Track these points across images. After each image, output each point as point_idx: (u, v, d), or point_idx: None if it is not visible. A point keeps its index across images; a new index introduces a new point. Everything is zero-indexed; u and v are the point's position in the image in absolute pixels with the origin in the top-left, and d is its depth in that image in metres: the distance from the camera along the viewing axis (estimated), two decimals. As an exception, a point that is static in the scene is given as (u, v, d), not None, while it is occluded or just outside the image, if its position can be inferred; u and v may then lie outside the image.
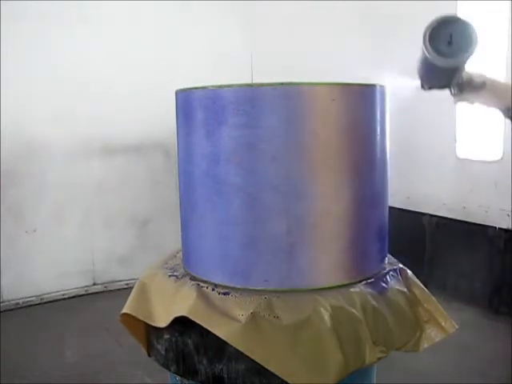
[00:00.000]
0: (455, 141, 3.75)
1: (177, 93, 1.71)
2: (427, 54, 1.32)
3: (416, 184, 3.99)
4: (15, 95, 3.89)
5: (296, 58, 4.50)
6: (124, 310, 1.75)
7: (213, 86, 1.55)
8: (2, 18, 3.76)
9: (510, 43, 3.29)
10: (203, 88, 1.57)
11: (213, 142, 1.55)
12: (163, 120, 3.36)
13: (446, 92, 3.97)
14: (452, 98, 1.50)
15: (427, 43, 1.32)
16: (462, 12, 3.58)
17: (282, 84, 1.49)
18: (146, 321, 1.70)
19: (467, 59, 1.28)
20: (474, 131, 3.71)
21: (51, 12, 3.98)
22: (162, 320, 1.61)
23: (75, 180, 4.22)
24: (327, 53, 4.33)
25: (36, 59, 3.99)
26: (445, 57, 1.31)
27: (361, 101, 1.57)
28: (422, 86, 1.58)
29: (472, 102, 1.49)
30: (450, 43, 1.33)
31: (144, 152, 4.49)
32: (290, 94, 1.49)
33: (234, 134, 1.51)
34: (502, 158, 3.43)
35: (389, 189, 1.76)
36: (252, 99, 1.50)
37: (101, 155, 4.33)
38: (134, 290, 1.80)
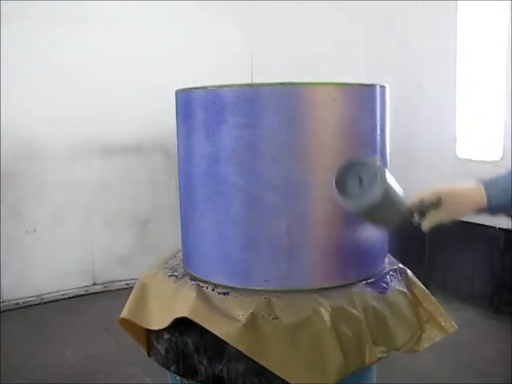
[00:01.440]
0: (455, 141, 3.75)
1: (177, 93, 1.71)
2: (337, 201, 1.25)
3: (416, 184, 3.99)
4: (15, 95, 3.89)
5: (296, 58, 4.50)
6: (122, 315, 1.75)
7: (213, 86, 1.55)
8: (2, 17, 3.76)
9: (510, 43, 3.28)
10: (203, 88, 1.57)
11: (213, 141, 1.55)
12: (163, 120, 3.36)
13: (447, 92, 3.97)
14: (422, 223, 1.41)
15: (334, 189, 1.24)
16: (462, 12, 3.58)
17: (282, 84, 1.49)
18: (144, 326, 1.70)
19: (379, 198, 1.18)
20: (473, 131, 3.71)
21: (51, 12, 3.98)
22: (161, 321, 1.61)
23: (75, 180, 4.21)
24: (327, 53, 4.33)
25: (36, 59, 3.99)
26: (354, 200, 1.23)
27: (361, 101, 1.57)
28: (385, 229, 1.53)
29: (444, 221, 1.44)
30: (360, 185, 1.24)
31: (144, 152, 4.49)
32: (290, 94, 1.49)
33: (234, 134, 1.51)
34: (502, 158, 3.43)
35: (389, 189, 1.76)
36: (252, 99, 1.50)
37: (101, 155, 4.32)
38: (133, 291, 1.80)
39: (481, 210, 1.33)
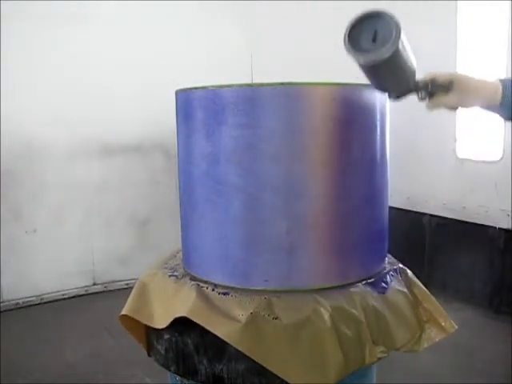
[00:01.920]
0: (455, 141, 3.75)
1: (177, 93, 1.71)
2: (348, 53, 1.20)
3: (416, 184, 3.99)
4: (15, 95, 3.89)
5: (296, 58, 4.50)
6: (123, 312, 1.75)
7: (213, 86, 1.55)
8: (2, 17, 3.76)
9: (510, 43, 3.28)
10: (203, 88, 1.57)
11: (213, 141, 1.55)
12: (163, 120, 3.36)
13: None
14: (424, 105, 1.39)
15: (346, 41, 1.19)
16: (462, 12, 3.58)
17: (282, 84, 1.49)
18: (145, 322, 1.70)
19: (390, 53, 1.13)
20: (473, 131, 3.71)
21: (51, 12, 3.98)
22: (161, 321, 1.61)
23: (75, 180, 4.21)
24: (327, 53, 4.33)
25: (36, 59, 3.99)
26: (365, 53, 1.17)
27: (361, 101, 1.57)
28: (389, 96, 1.48)
29: (449, 107, 1.40)
30: (374, 40, 1.19)
31: (144, 152, 4.49)
32: (290, 94, 1.49)
33: (234, 134, 1.51)
34: (502, 158, 3.43)
35: (389, 189, 1.76)
36: (252, 99, 1.50)
37: (101, 155, 4.32)
38: (133, 291, 1.80)
39: (491, 105, 1.30)
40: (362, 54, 1.15)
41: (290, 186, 1.52)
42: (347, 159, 1.56)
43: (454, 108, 1.37)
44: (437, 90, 1.30)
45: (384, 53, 1.12)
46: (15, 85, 3.89)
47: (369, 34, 1.18)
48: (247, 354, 1.43)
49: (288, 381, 1.43)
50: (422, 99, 1.33)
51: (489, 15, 3.50)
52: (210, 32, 4.62)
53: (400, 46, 1.14)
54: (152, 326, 1.66)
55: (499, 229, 3.53)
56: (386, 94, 1.46)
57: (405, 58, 1.18)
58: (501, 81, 1.30)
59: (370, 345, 1.51)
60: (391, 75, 1.20)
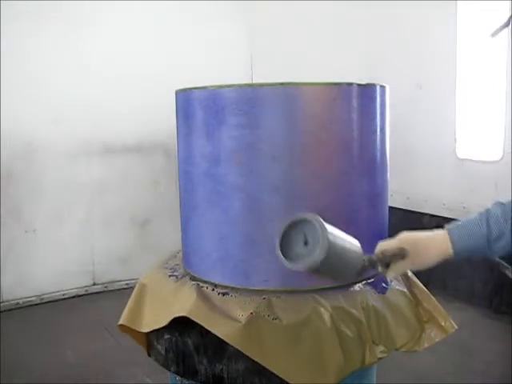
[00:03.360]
0: (455, 141, 3.74)
1: (177, 93, 1.71)
2: (281, 262, 1.20)
3: (416, 184, 3.99)
4: (15, 95, 3.89)
5: (296, 58, 4.50)
6: (121, 322, 1.76)
7: (213, 86, 1.55)
8: (2, 17, 3.76)
9: (510, 43, 3.28)
10: (203, 88, 1.57)
11: (213, 141, 1.55)
12: (163, 120, 3.36)
13: (447, 92, 3.96)
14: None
15: (277, 250, 1.19)
16: (462, 12, 3.58)
17: (282, 84, 1.49)
18: (143, 331, 1.71)
19: (322, 257, 1.13)
20: (473, 131, 3.71)
21: (51, 12, 3.98)
22: (159, 320, 1.61)
23: (75, 180, 4.21)
24: (327, 53, 4.33)
25: (36, 59, 3.99)
26: (298, 260, 1.17)
27: (361, 101, 1.57)
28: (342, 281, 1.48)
29: (413, 269, 1.40)
30: (306, 243, 1.19)
31: (144, 152, 4.49)
32: (290, 94, 1.49)
33: (234, 134, 1.51)
34: (502, 158, 3.43)
35: (389, 189, 1.76)
36: (252, 99, 1.50)
37: (101, 155, 4.32)
38: (133, 293, 1.80)
39: (448, 258, 1.29)
40: (295, 262, 1.17)
41: (290, 186, 1.52)
42: (347, 159, 1.57)
43: (414, 269, 1.38)
44: (391, 261, 1.30)
45: (316, 258, 1.14)
46: (15, 85, 3.89)
47: (300, 238, 1.19)
48: (247, 354, 1.43)
49: (288, 381, 1.43)
50: (382, 272, 1.33)
51: (489, 15, 3.50)
52: (210, 32, 4.62)
53: (330, 245, 1.14)
54: (150, 329, 1.66)
55: (499, 229, 3.52)
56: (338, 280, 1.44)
57: (340, 251, 1.19)
58: (447, 231, 1.29)
59: (370, 345, 1.51)
60: (333, 269, 1.21)
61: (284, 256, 1.19)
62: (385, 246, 1.32)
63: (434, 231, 1.31)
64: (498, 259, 1.34)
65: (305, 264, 1.15)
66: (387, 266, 1.31)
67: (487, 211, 1.27)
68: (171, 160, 4.27)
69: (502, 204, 1.26)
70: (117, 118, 4.28)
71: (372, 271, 1.31)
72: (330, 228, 1.18)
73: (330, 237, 1.15)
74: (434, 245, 1.29)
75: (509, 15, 1.67)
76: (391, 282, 1.68)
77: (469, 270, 3.83)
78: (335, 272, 1.23)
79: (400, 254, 1.29)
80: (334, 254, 1.17)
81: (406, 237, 1.32)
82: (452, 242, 1.27)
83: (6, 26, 3.79)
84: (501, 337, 3.25)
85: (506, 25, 1.63)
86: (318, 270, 1.17)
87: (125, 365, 3.06)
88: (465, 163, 3.69)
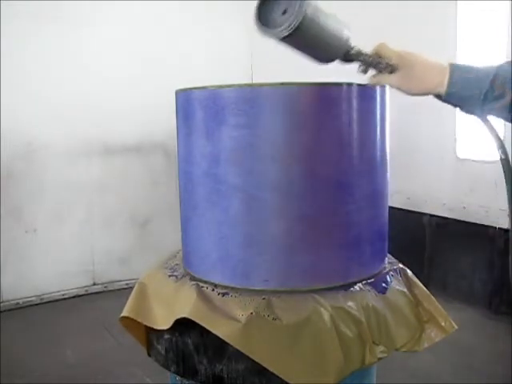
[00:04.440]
0: (455, 141, 3.75)
1: (177, 93, 1.71)
2: (258, 30, 1.15)
3: (416, 184, 3.99)
4: (15, 95, 3.89)
5: (297, 58, 4.49)
6: (124, 313, 1.75)
7: (213, 86, 1.55)
8: (2, 17, 3.76)
9: (510, 43, 3.28)
10: (203, 88, 1.57)
11: (213, 141, 1.55)
12: (163, 120, 3.36)
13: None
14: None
15: (254, 17, 1.14)
16: (462, 12, 3.58)
17: (282, 84, 1.49)
18: (146, 324, 1.70)
19: (294, 26, 1.07)
20: (474, 131, 3.71)
21: (51, 12, 3.99)
22: (163, 322, 1.61)
23: (75, 180, 4.22)
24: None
25: (36, 59, 3.99)
26: (273, 28, 1.11)
27: (361, 101, 1.57)
28: (320, 62, 1.38)
29: (393, 87, 1.28)
30: (284, 12, 1.12)
31: (144, 152, 4.49)
32: (290, 94, 1.49)
33: (233, 134, 1.51)
34: (501, 158, 3.43)
35: (389, 189, 1.76)
36: (252, 99, 1.49)
37: (101, 155, 4.33)
38: (133, 291, 1.80)
39: (436, 93, 1.22)
40: (270, 30, 1.13)
41: (290, 185, 1.52)
42: (347, 159, 1.56)
43: (398, 89, 1.29)
44: (380, 68, 1.24)
45: (290, 23, 1.08)
46: (15, 85, 3.89)
47: (280, 8, 1.14)
48: (247, 354, 1.43)
49: (288, 381, 1.43)
50: (361, 72, 1.27)
51: (489, 15, 3.50)
52: (210, 32, 4.62)
53: (309, 16, 1.08)
54: (154, 327, 1.66)
55: (499, 229, 3.53)
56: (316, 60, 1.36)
57: (319, 22, 1.12)
58: (450, 67, 1.20)
59: (370, 345, 1.51)
60: (310, 42, 1.15)
61: (260, 23, 1.14)
62: (382, 48, 1.26)
63: (436, 61, 1.23)
64: (494, 127, 1.27)
65: (281, 29, 1.10)
66: (374, 70, 1.24)
67: (497, 69, 1.17)
68: (171, 160, 4.27)
69: None
70: (117, 117, 4.28)
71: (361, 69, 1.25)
72: (314, 2, 1.12)
73: (309, 6, 1.09)
74: (428, 75, 1.21)
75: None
76: (391, 281, 1.68)
77: (469, 270, 3.83)
78: (313, 46, 1.17)
79: (390, 66, 1.22)
80: (312, 23, 1.10)
81: (406, 54, 1.25)
82: (449, 82, 1.19)
83: (6, 25, 3.80)
84: (501, 337, 3.25)
85: None
86: (295, 38, 1.11)
87: (125, 365, 3.06)
88: (465, 163, 3.69)
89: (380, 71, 1.24)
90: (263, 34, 1.14)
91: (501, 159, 1.24)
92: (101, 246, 4.35)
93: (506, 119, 1.19)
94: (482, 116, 1.22)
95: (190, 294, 1.57)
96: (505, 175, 1.24)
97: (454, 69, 1.19)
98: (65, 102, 4.06)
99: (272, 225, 1.53)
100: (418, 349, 1.65)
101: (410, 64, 1.22)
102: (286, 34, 1.08)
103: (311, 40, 1.12)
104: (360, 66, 1.23)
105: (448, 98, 1.20)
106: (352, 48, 1.20)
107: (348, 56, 1.19)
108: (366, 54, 1.22)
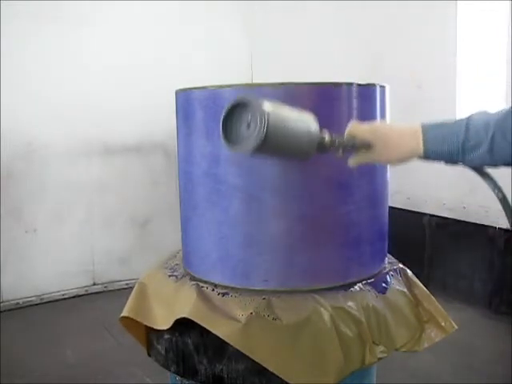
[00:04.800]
0: (455, 141, 3.74)
1: (177, 93, 1.71)
2: (224, 144, 1.15)
3: (416, 184, 3.99)
4: (15, 95, 3.89)
5: (296, 58, 4.50)
6: (124, 313, 1.75)
7: (213, 86, 1.55)
8: (2, 17, 3.76)
9: (510, 43, 3.28)
10: (203, 88, 1.57)
11: (213, 141, 1.55)
12: (163, 120, 3.36)
13: (447, 92, 3.95)
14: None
15: (221, 134, 1.13)
16: (462, 12, 3.58)
17: (282, 84, 1.49)
18: (146, 324, 1.70)
19: (259, 142, 1.06)
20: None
21: (51, 12, 3.98)
22: (163, 322, 1.61)
23: (75, 180, 4.21)
24: (327, 53, 4.33)
25: (36, 59, 3.99)
26: (239, 144, 1.11)
27: (361, 101, 1.57)
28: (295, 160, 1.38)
29: (377, 162, 1.31)
30: (248, 126, 1.12)
31: (144, 152, 4.49)
32: (290, 94, 1.49)
33: (233, 134, 1.51)
34: (501, 158, 3.43)
35: (389, 189, 1.76)
36: (252, 99, 1.49)
37: (101, 155, 4.32)
38: (133, 291, 1.80)
39: (416, 157, 1.22)
40: (238, 144, 1.12)
41: (290, 186, 1.52)
42: (347, 159, 1.56)
43: (380, 163, 1.31)
44: (357, 148, 1.23)
45: (258, 137, 1.07)
46: (15, 85, 3.89)
47: (244, 122, 1.14)
48: (247, 353, 1.43)
49: (288, 381, 1.43)
50: (342, 156, 1.25)
51: (489, 15, 3.50)
52: (210, 32, 4.62)
53: (272, 120, 1.08)
54: (153, 327, 1.66)
55: (499, 229, 3.52)
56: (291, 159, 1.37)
57: (285, 125, 1.12)
58: (422, 128, 1.21)
59: (370, 345, 1.51)
60: (282, 146, 1.14)
61: (227, 140, 1.13)
62: (354, 128, 1.25)
63: (408, 126, 1.23)
64: (484, 171, 1.27)
65: (248, 145, 1.09)
66: (351, 151, 1.24)
67: (468, 119, 1.18)
68: (171, 160, 4.27)
69: (487, 113, 1.17)
70: (117, 117, 4.27)
71: (339, 153, 1.24)
72: (272, 105, 1.11)
73: (271, 112, 1.09)
74: (403, 142, 1.21)
75: None
76: (391, 281, 1.68)
77: (469, 270, 3.83)
78: (285, 149, 1.16)
79: (365, 144, 1.22)
80: (276, 132, 1.09)
81: (377, 128, 1.25)
82: (424, 141, 1.19)
83: (6, 25, 3.79)
84: (501, 337, 3.25)
85: None
86: (263, 151, 1.11)
87: (125, 365, 3.06)
88: (465, 163, 3.69)
89: (357, 151, 1.24)
90: (232, 151, 1.15)
91: (499, 199, 1.25)
92: (101, 246, 4.35)
93: (492, 166, 1.20)
94: (470, 166, 1.22)
95: (190, 293, 1.57)
96: (506, 213, 1.25)
97: (427, 128, 1.21)
98: (65, 101, 4.06)
99: (272, 225, 1.53)
100: (418, 349, 1.66)
101: (384, 136, 1.23)
102: (254, 147, 1.08)
103: (281, 145, 1.13)
104: (337, 151, 1.23)
105: (428, 156, 1.20)
106: (324, 138, 1.20)
107: (323, 146, 1.20)
108: (340, 138, 1.22)
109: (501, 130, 1.12)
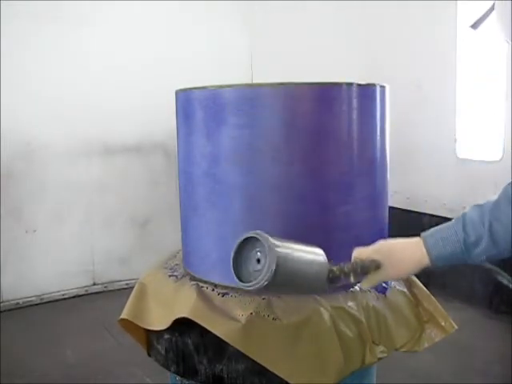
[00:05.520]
0: (455, 141, 3.74)
1: (177, 93, 1.71)
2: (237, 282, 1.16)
3: (416, 184, 3.99)
4: (15, 95, 3.89)
5: (296, 58, 4.50)
6: (123, 316, 1.75)
7: (213, 86, 1.55)
8: (2, 17, 3.76)
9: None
10: (203, 88, 1.57)
11: (213, 141, 1.55)
12: (163, 120, 3.36)
13: (447, 92, 3.95)
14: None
15: (232, 270, 1.15)
16: (462, 12, 3.58)
17: (282, 84, 1.49)
18: (144, 327, 1.70)
19: (269, 279, 1.08)
20: (473, 131, 3.71)
21: (51, 12, 3.98)
22: (162, 322, 1.61)
23: (75, 180, 4.21)
24: (327, 53, 4.33)
25: (36, 59, 3.99)
26: (250, 281, 1.12)
27: (361, 101, 1.57)
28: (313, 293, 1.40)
29: (390, 280, 1.36)
30: (259, 261, 1.14)
31: (144, 152, 4.49)
32: (290, 94, 1.49)
33: (233, 134, 1.51)
34: (501, 158, 3.43)
35: (389, 189, 1.76)
36: (252, 99, 1.50)
37: (101, 155, 4.32)
38: (133, 291, 1.80)
39: (426, 266, 1.23)
40: (248, 282, 1.13)
41: (290, 186, 1.52)
42: (347, 159, 1.56)
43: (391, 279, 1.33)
44: (366, 271, 1.25)
45: (266, 276, 1.09)
46: (15, 85, 3.89)
47: (253, 256, 1.16)
48: (247, 354, 1.43)
49: (288, 380, 1.43)
50: (354, 282, 1.27)
51: (488, 15, 3.50)
52: (210, 32, 4.62)
53: (280, 259, 1.10)
54: (153, 328, 1.66)
55: (499, 229, 3.52)
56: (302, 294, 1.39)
57: (294, 263, 1.14)
58: (422, 238, 1.24)
59: (370, 345, 1.51)
60: (292, 283, 1.16)
61: (238, 277, 1.15)
62: (359, 253, 1.27)
63: (409, 239, 1.26)
64: (490, 265, 1.29)
65: (257, 283, 1.11)
66: (362, 275, 1.26)
67: (463, 215, 1.22)
68: (171, 160, 4.27)
69: (479, 206, 1.21)
70: (117, 117, 4.27)
71: (351, 279, 1.25)
72: (279, 242, 1.14)
73: (280, 250, 1.11)
74: (408, 255, 1.24)
75: (489, 6, 1.62)
76: (391, 282, 1.68)
77: (469, 270, 3.83)
78: (296, 286, 1.18)
79: (373, 266, 1.24)
80: (287, 267, 1.11)
81: (381, 246, 1.27)
82: (427, 249, 1.22)
83: (6, 25, 3.79)
84: (501, 337, 3.25)
85: (486, 16, 1.58)
86: (275, 287, 1.13)
87: (125, 365, 3.06)
88: (465, 163, 3.69)
89: (368, 272, 1.26)
90: (243, 288, 1.15)
91: None
92: (101, 246, 4.35)
93: (501, 256, 1.23)
94: (478, 263, 1.24)
95: (189, 293, 1.57)
96: None
97: (426, 235, 1.24)
98: (65, 102, 4.06)
99: (271, 225, 1.53)
100: (418, 349, 1.66)
101: (389, 253, 1.25)
102: (266, 283, 1.09)
103: (291, 279, 1.15)
104: (350, 278, 1.24)
105: (435, 262, 1.22)
106: (333, 269, 1.21)
107: (334, 276, 1.21)
108: (349, 265, 1.24)
109: (495, 217, 1.16)
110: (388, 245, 1.28)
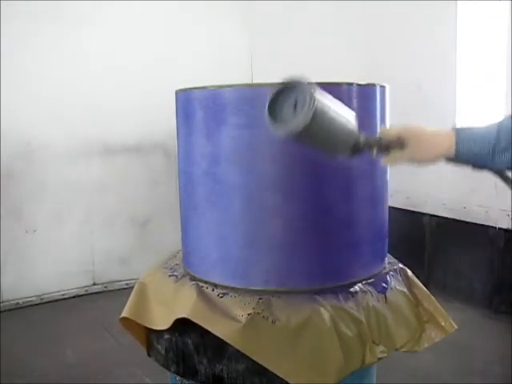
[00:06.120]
0: (455, 141, 3.74)
1: (177, 93, 1.71)
2: (269, 125, 1.15)
3: (416, 184, 3.99)
4: (15, 95, 3.89)
5: (296, 58, 4.50)
6: (123, 314, 1.75)
7: (213, 86, 1.55)
8: (2, 17, 3.76)
9: (510, 43, 3.28)
10: (203, 88, 1.57)
11: (213, 141, 1.55)
12: (163, 120, 3.36)
13: (447, 92, 3.95)
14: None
15: (266, 114, 1.14)
16: (462, 12, 3.58)
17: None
18: (146, 325, 1.70)
19: (306, 121, 1.07)
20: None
21: (51, 12, 3.98)
22: (162, 322, 1.61)
23: (75, 180, 4.21)
24: (327, 53, 4.33)
25: (36, 59, 3.99)
26: (284, 124, 1.12)
27: (361, 101, 1.57)
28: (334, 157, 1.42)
29: (406, 162, 1.34)
30: (295, 108, 1.13)
31: (144, 152, 4.49)
32: (289, 94, 1.49)
33: (234, 134, 1.51)
34: (501, 158, 3.43)
35: (389, 189, 1.76)
36: (252, 99, 1.50)
37: (101, 155, 4.32)
38: (133, 292, 1.80)
39: (449, 157, 1.26)
40: (281, 125, 1.13)
41: (290, 186, 1.52)
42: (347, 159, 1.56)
43: (413, 162, 1.34)
44: (390, 147, 1.26)
45: (300, 120, 1.08)
46: (15, 85, 3.89)
47: (290, 104, 1.15)
48: (247, 354, 1.43)
49: (288, 380, 1.43)
50: (376, 156, 1.28)
51: (489, 15, 3.50)
52: (210, 32, 4.62)
53: (317, 109, 1.09)
54: (153, 327, 1.66)
55: (499, 229, 3.53)
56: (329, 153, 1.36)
57: (328, 116, 1.14)
58: (455, 130, 1.26)
59: (370, 345, 1.51)
60: (321, 137, 1.16)
61: (272, 119, 1.14)
62: (387, 131, 1.29)
63: (440, 128, 1.28)
64: (509, 176, 1.30)
65: (289, 126, 1.11)
66: (385, 151, 1.27)
67: (500, 122, 1.23)
68: (171, 160, 4.26)
69: None
70: (117, 117, 4.27)
71: (374, 153, 1.26)
72: (321, 94, 1.13)
73: (319, 101, 1.10)
74: (437, 140, 1.26)
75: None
76: (391, 281, 1.68)
77: (469, 269, 3.83)
78: (324, 140, 1.18)
79: (399, 142, 1.25)
80: (321, 118, 1.11)
81: (410, 127, 1.29)
82: (457, 141, 1.23)
83: (6, 25, 3.79)
84: (501, 337, 3.25)
85: None
86: (304, 136, 1.12)
87: (125, 365, 3.06)
88: (465, 163, 3.69)
89: (392, 149, 1.28)
90: (276, 131, 1.15)
91: None
92: (101, 246, 4.35)
93: None
94: (496, 170, 1.27)
95: (189, 294, 1.57)
96: None
97: (459, 130, 1.26)
98: (65, 101, 4.06)
99: (272, 225, 1.53)
100: (418, 349, 1.66)
101: (418, 134, 1.27)
102: (301, 126, 1.09)
103: (324, 129, 1.15)
104: (373, 151, 1.26)
105: (460, 157, 1.25)
106: (360, 136, 1.21)
107: (358, 144, 1.22)
108: (376, 139, 1.24)
109: None
110: (419, 126, 1.30)
